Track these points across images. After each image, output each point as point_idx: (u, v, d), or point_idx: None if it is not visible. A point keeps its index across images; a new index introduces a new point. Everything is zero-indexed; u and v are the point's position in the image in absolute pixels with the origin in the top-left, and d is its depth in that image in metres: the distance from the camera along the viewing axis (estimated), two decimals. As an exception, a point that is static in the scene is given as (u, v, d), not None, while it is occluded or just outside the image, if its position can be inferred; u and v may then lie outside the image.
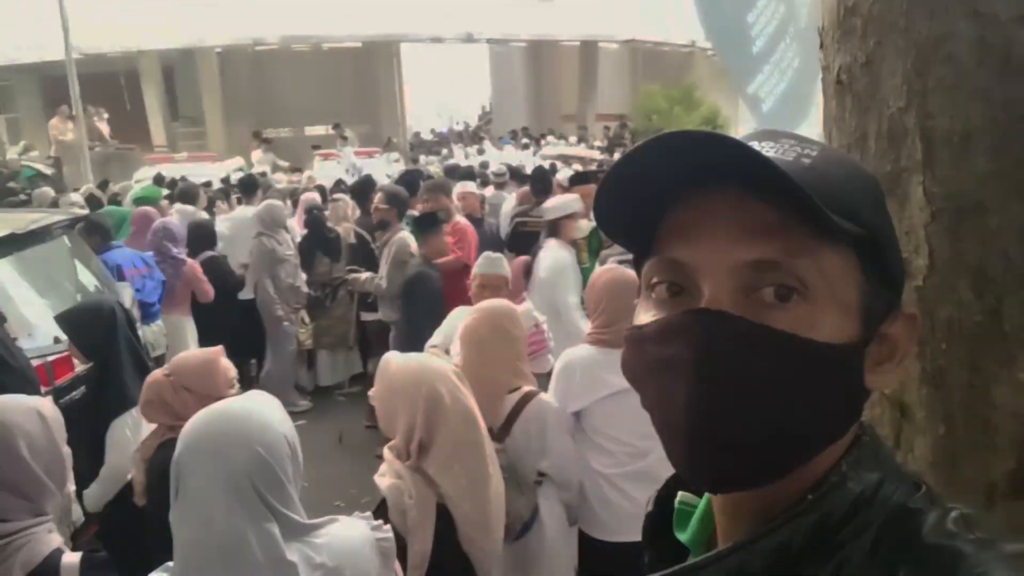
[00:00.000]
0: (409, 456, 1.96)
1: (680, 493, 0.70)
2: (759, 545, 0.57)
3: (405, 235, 5.02)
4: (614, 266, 2.83)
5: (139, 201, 6.48)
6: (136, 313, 4.46)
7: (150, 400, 2.29)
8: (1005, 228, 1.04)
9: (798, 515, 0.56)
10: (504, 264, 3.62)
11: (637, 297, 0.64)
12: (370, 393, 2.14)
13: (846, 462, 0.58)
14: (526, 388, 2.43)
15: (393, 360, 2.09)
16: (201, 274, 5.20)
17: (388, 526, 1.58)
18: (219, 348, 2.34)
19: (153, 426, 2.34)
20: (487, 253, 3.76)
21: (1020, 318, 1.05)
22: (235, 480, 1.30)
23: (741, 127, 22.01)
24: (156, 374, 2.34)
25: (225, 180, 10.08)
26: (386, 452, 2.03)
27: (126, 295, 4.43)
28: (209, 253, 5.57)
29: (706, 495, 0.67)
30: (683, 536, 0.68)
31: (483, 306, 2.55)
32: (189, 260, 5.17)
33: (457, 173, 7.94)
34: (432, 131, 20.05)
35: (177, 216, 6.14)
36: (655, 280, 0.61)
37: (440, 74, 21.51)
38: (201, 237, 5.58)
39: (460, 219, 5.33)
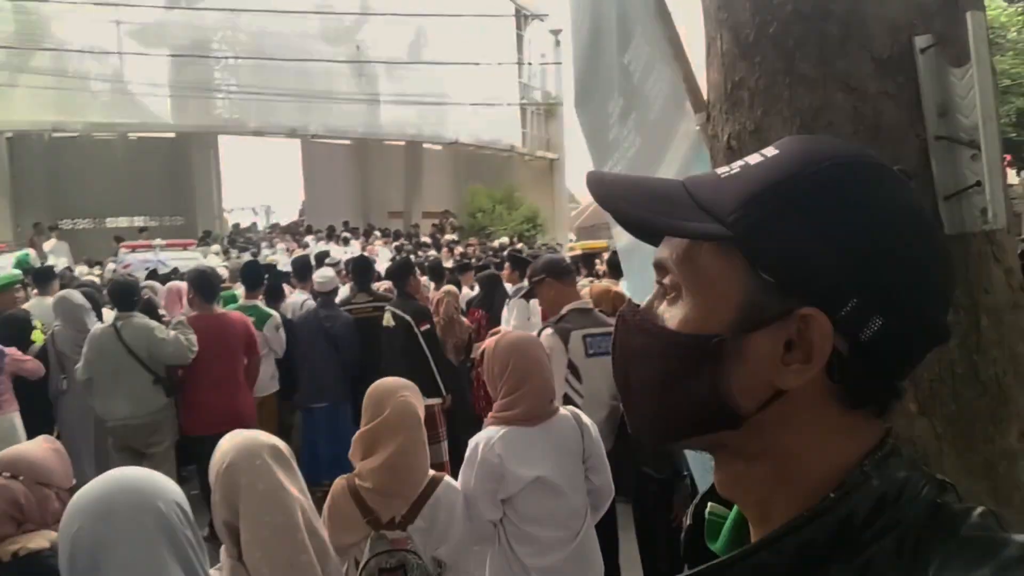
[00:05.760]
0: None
1: (710, 504, 0.70)
2: (782, 543, 0.57)
3: None
4: (507, 332, 2.72)
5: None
6: None
7: None
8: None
9: (820, 514, 0.57)
10: None
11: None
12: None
13: (869, 462, 0.59)
14: (432, 472, 2.26)
15: (225, 440, 1.74)
16: (21, 356, 4.67)
17: None
18: (50, 437, 2.02)
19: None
20: None
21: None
22: (169, 529, 1.28)
23: (561, 226, 23.50)
24: None
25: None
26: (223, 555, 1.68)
27: None
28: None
29: (735, 506, 0.67)
30: (714, 545, 0.67)
31: (407, 386, 2.28)
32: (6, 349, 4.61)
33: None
34: (257, 225, 19.36)
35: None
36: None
37: (258, 167, 20.97)
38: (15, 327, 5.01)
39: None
